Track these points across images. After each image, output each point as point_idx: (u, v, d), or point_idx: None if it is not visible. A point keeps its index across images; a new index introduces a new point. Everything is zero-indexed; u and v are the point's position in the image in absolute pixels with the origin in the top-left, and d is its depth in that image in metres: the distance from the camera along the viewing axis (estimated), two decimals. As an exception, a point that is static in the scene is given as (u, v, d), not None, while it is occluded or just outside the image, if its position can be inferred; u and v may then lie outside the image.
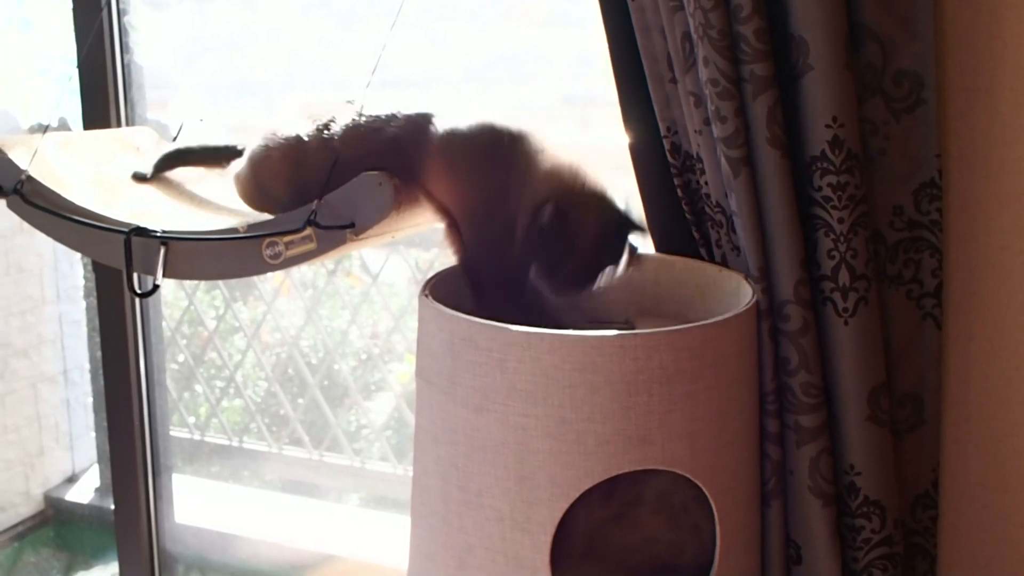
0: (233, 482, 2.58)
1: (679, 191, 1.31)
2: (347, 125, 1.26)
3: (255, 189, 1.33)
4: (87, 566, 2.80)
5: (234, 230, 1.24)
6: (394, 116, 1.25)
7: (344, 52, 2.12)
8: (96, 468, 2.92)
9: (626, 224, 1.23)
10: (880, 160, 1.24)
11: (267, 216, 1.27)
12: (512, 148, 1.20)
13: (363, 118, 1.26)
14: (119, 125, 1.98)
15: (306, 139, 1.28)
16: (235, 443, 2.54)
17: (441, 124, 1.23)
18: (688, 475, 1.11)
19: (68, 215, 1.31)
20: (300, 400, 2.47)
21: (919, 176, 1.24)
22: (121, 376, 2.11)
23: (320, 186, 1.19)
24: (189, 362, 2.58)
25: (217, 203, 1.45)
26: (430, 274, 1.28)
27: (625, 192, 1.26)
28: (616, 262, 1.22)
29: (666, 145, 1.30)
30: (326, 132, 1.27)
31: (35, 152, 1.35)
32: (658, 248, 1.36)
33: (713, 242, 1.30)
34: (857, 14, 1.19)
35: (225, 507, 2.46)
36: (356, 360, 2.45)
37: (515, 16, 2.01)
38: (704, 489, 1.13)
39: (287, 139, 1.29)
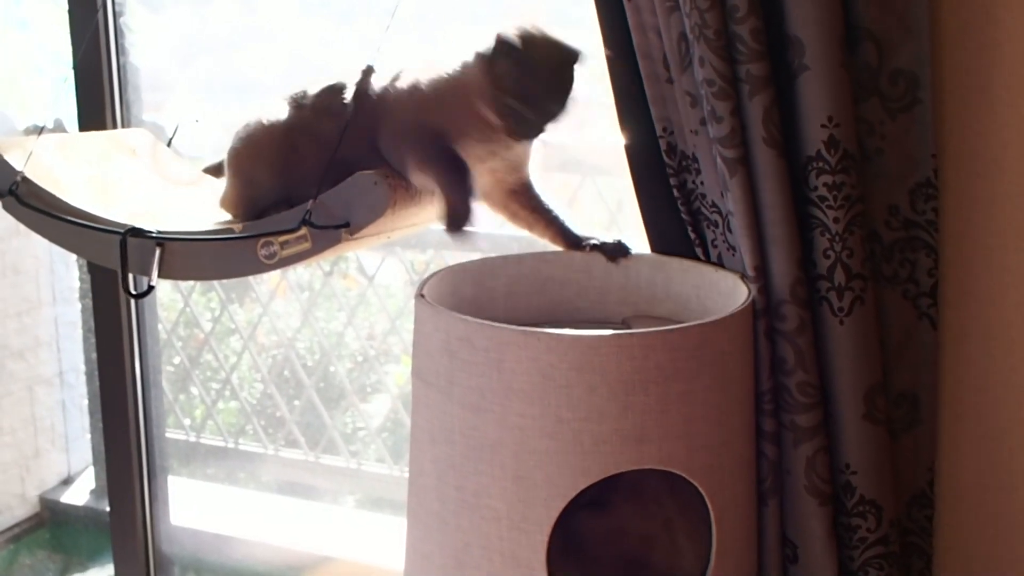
0: (229, 484, 2.58)
1: (675, 191, 1.31)
2: (319, 91, 1.28)
3: (242, 185, 1.32)
4: (83, 568, 2.80)
5: (229, 230, 1.24)
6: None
7: (343, 52, 2.12)
8: (92, 470, 2.91)
9: (571, 53, 1.22)
10: (876, 160, 1.24)
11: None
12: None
13: (333, 83, 1.28)
14: (115, 127, 1.98)
15: (282, 118, 1.28)
16: (231, 445, 2.53)
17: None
18: (685, 474, 1.11)
19: (64, 216, 1.31)
20: (296, 402, 2.47)
21: (915, 176, 1.25)
22: (117, 378, 2.10)
23: (308, 156, 1.21)
24: (185, 364, 2.57)
25: (213, 204, 1.45)
26: (426, 275, 1.28)
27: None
28: (569, 92, 1.21)
29: (662, 145, 1.30)
30: (302, 101, 1.29)
31: (31, 153, 1.35)
32: (654, 248, 1.36)
33: (709, 242, 1.30)
34: (853, 14, 1.19)
35: (221, 509, 2.46)
36: (352, 362, 2.44)
37: (512, 16, 2.01)
38: (701, 488, 1.13)
39: (260, 123, 1.30)
